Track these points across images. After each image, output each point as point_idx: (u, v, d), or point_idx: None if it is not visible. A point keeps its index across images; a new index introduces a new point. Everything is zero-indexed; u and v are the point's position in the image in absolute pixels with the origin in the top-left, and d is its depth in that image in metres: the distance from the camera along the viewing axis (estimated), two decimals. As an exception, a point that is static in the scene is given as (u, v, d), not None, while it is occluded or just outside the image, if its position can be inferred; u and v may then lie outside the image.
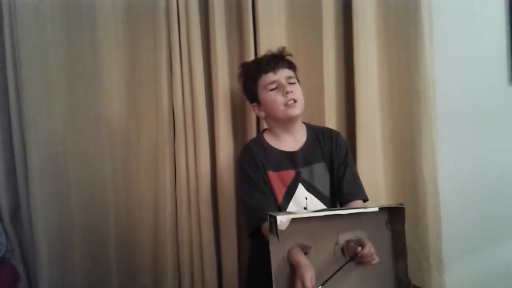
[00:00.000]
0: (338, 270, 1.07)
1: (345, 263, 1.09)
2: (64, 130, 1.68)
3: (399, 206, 1.08)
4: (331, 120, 1.62)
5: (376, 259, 1.08)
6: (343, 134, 1.55)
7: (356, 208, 1.11)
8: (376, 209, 1.09)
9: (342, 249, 1.13)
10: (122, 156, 1.71)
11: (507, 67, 1.70)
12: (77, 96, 1.68)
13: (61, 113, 1.67)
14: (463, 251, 1.73)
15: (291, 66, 1.42)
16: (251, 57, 1.58)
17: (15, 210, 1.73)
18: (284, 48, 1.43)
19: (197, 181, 1.62)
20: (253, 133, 1.61)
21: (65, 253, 1.69)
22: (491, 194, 1.72)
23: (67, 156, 1.69)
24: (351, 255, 1.10)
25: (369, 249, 1.07)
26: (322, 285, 1.05)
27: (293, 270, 1.10)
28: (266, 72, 1.37)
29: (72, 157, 1.69)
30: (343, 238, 1.13)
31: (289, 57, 1.43)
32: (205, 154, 1.61)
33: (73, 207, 1.69)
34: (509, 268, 1.73)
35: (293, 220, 1.05)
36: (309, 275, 1.03)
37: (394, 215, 1.12)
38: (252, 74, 1.41)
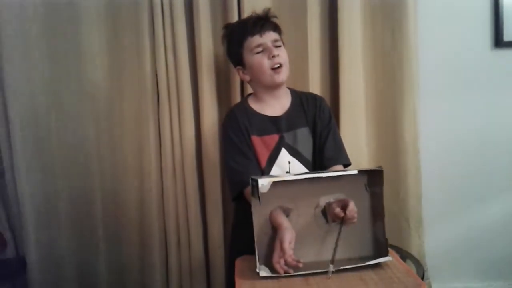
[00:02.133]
0: (337, 239, 1.08)
1: (340, 230, 1.10)
2: (45, 95, 1.66)
3: (378, 168, 1.10)
4: (315, 85, 1.62)
5: (355, 218, 1.10)
6: (327, 99, 1.56)
7: (335, 171, 1.13)
8: (355, 172, 1.10)
9: (323, 211, 1.16)
10: (105, 122, 1.70)
11: (490, 31, 1.70)
12: (57, 61, 1.66)
13: (42, 78, 1.66)
14: (442, 214, 1.79)
15: (276, 28, 1.40)
16: (234, 19, 1.56)
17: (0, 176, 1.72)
18: (269, 9, 1.41)
19: (181, 146, 1.63)
20: (237, 98, 1.61)
21: (51, 218, 1.70)
22: (471, 158, 1.76)
23: (50, 121, 1.68)
24: (332, 217, 1.12)
25: (353, 206, 1.09)
26: (332, 262, 1.05)
27: (275, 232, 1.12)
28: (252, 34, 1.35)
29: (55, 123, 1.68)
30: (323, 200, 1.16)
31: (274, 19, 1.40)
32: (189, 120, 1.61)
33: (58, 172, 1.70)
34: (487, 231, 1.79)
35: (274, 183, 1.06)
36: (288, 236, 1.06)
37: (373, 178, 1.14)
38: (237, 36, 1.39)
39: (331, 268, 1.04)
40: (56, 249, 1.71)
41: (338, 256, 1.10)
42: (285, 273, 1.05)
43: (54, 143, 1.68)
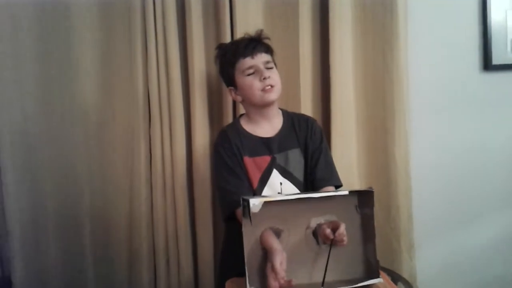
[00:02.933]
0: (328, 261, 1.08)
1: (330, 250, 1.09)
2: (36, 112, 1.65)
3: (369, 190, 1.10)
4: (307, 106, 1.62)
5: (346, 239, 1.10)
6: (318, 120, 1.56)
7: (326, 192, 1.13)
8: (346, 192, 1.10)
9: (314, 233, 1.15)
10: (96, 140, 1.68)
11: (479, 54, 1.74)
12: (50, 78, 1.64)
13: (33, 96, 1.64)
14: (433, 235, 1.79)
15: (268, 50, 1.41)
16: (227, 39, 1.57)
17: (-14, 193, 1.70)
18: (261, 31, 1.42)
19: (172, 165, 1.61)
20: (229, 118, 1.61)
21: (39, 237, 1.67)
22: (461, 179, 1.78)
23: (40, 138, 1.65)
24: (323, 239, 1.12)
25: (344, 228, 1.08)
26: (322, 285, 1.06)
27: (265, 253, 1.12)
28: (244, 56, 1.36)
29: (45, 140, 1.66)
30: (314, 222, 1.15)
31: (266, 41, 1.42)
32: (180, 138, 1.60)
33: (47, 190, 1.67)
34: (478, 252, 1.79)
35: (266, 204, 1.06)
36: (279, 258, 1.05)
37: (363, 199, 1.14)
38: (230, 57, 1.39)
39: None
40: (42, 269, 1.67)
41: (329, 278, 1.10)
42: None
43: (44, 161, 1.66)
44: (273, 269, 1.04)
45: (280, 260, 1.05)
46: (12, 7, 1.58)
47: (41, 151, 1.66)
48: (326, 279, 1.10)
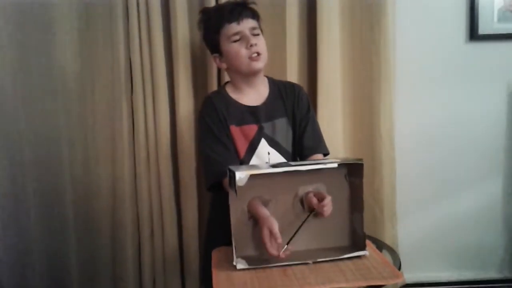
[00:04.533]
0: (301, 226, 1.09)
1: (307, 217, 1.11)
2: (13, 80, 1.61)
3: (358, 162, 1.10)
4: (293, 75, 1.60)
5: (330, 210, 1.10)
6: (305, 89, 1.54)
7: (315, 163, 1.11)
8: (335, 165, 1.09)
9: (301, 201, 1.15)
10: (77, 110, 1.65)
11: (465, 24, 1.73)
12: (27, 48, 1.60)
13: (10, 66, 1.59)
14: (414, 204, 1.82)
15: (255, 15, 1.37)
16: (212, 3, 1.52)
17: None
18: None
19: (156, 135, 1.59)
20: (214, 86, 1.57)
21: (20, 210, 1.65)
22: (444, 150, 1.80)
23: (19, 110, 1.62)
24: (311, 209, 1.12)
25: (329, 200, 1.09)
26: (287, 243, 1.07)
27: (253, 222, 1.12)
28: (230, 21, 1.31)
29: (24, 112, 1.62)
30: (302, 190, 1.15)
31: (252, 6, 1.37)
32: (164, 108, 1.58)
33: (27, 161, 1.64)
34: (458, 221, 1.83)
35: (253, 174, 1.04)
36: (275, 224, 1.05)
37: (353, 169, 1.14)
38: (214, 23, 1.35)
39: (286, 247, 1.06)
40: (25, 242, 1.66)
41: (314, 246, 1.13)
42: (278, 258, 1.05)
43: (22, 132, 1.62)
44: (272, 233, 1.04)
45: (276, 226, 1.05)
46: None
47: (20, 121, 1.62)
48: (311, 247, 1.13)
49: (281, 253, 1.05)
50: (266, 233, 1.05)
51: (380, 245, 1.29)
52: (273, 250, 1.05)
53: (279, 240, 1.04)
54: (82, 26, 1.61)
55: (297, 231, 1.09)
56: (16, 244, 1.65)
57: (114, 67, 1.58)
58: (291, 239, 1.08)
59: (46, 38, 1.60)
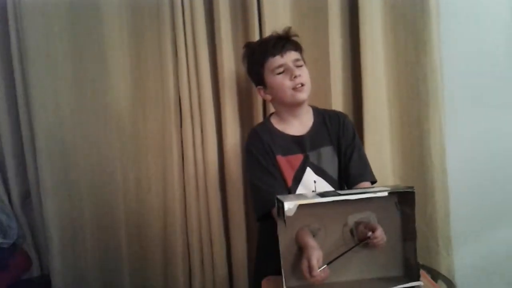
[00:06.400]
0: (346, 251, 1.08)
1: (354, 246, 1.09)
2: (71, 117, 1.70)
3: (409, 190, 1.08)
4: (338, 103, 1.60)
5: (384, 240, 1.08)
6: (350, 116, 1.55)
7: (365, 192, 1.10)
8: (386, 194, 1.08)
9: (351, 231, 1.14)
10: (130, 143, 1.72)
11: (515, 43, 1.67)
12: (84, 83, 1.69)
13: (68, 101, 1.69)
14: (471, 230, 1.73)
15: (297, 47, 1.40)
16: (256, 37, 1.56)
17: (25, 196, 1.76)
18: (289, 28, 1.40)
19: (204, 167, 1.62)
20: (259, 118, 1.61)
21: (76, 238, 1.72)
22: (499, 174, 1.71)
23: (76, 142, 1.71)
24: (361, 239, 1.11)
25: (380, 232, 1.07)
26: (328, 264, 1.06)
27: (301, 253, 1.11)
28: (273, 55, 1.35)
29: (80, 144, 1.71)
30: (352, 219, 1.14)
31: (295, 38, 1.40)
32: (212, 140, 1.61)
33: (83, 193, 1.72)
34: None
35: (301, 204, 1.05)
36: (315, 255, 1.04)
37: (403, 198, 1.11)
38: (258, 56, 1.39)
39: (324, 267, 1.05)
40: (80, 268, 1.72)
41: (367, 276, 1.11)
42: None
43: (79, 164, 1.71)
44: (309, 265, 1.03)
45: (317, 257, 1.04)
46: (43, 9, 1.63)
47: (76, 154, 1.71)
48: (363, 277, 1.10)
49: (317, 271, 1.03)
50: (305, 264, 1.05)
51: (436, 275, 1.25)
52: (310, 279, 1.04)
53: (314, 272, 1.02)
54: (134, 60, 1.69)
55: (341, 255, 1.07)
56: (73, 272, 1.71)
57: (165, 100, 1.64)
58: (332, 261, 1.06)
59: (101, 75, 1.68)
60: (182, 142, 1.64)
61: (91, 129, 1.71)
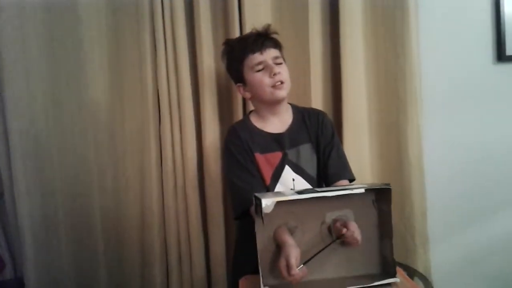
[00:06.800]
0: (322, 249, 1.08)
1: (329, 244, 1.09)
2: (46, 115, 1.65)
3: (386, 187, 1.08)
4: (317, 101, 1.61)
5: (358, 241, 1.08)
6: (329, 115, 1.55)
7: (342, 189, 1.10)
8: (362, 190, 1.08)
9: (329, 228, 1.14)
10: (107, 141, 1.69)
11: (492, 45, 1.70)
12: (59, 80, 1.65)
13: (43, 99, 1.65)
14: (447, 229, 1.76)
15: (277, 45, 1.39)
16: (236, 34, 1.55)
17: (-1, 196, 1.71)
18: (269, 26, 1.40)
19: (183, 165, 1.61)
20: (239, 115, 1.60)
21: (50, 238, 1.67)
22: (475, 173, 1.75)
23: (51, 141, 1.66)
24: (337, 236, 1.11)
25: (352, 232, 1.07)
26: (305, 263, 1.05)
27: (279, 251, 1.10)
28: (253, 52, 1.34)
29: (55, 143, 1.67)
30: (329, 217, 1.14)
31: (275, 36, 1.40)
32: (191, 137, 1.60)
33: (58, 192, 1.68)
34: (491, 245, 1.77)
35: (279, 202, 1.04)
36: (294, 253, 1.03)
37: (380, 195, 1.12)
38: (238, 53, 1.38)
39: (302, 267, 1.04)
40: (55, 269, 1.68)
41: (343, 274, 1.11)
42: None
43: (54, 163, 1.67)
44: (288, 263, 1.02)
45: (295, 255, 1.03)
46: (19, 7, 1.58)
47: (51, 152, 1.67)
48: (340, 275, 1.11)
49: (295, 270, 1.02)
50: (282, 263, 1.04)
51: (412, 273, 1.26)
52: (288, 278, 1.03)
53: (293, 271, 1.01)
54: (112, 57, 1.66)
55: (318, 253, 1.07)
56: (47, 272, 1.67)
57: (143, 98, 1.62)
58: (309, 259, 1.06)
59: (77, 72, 1.65)
60: (160, 139, 1.62)
61: (66, 128, 1.67)
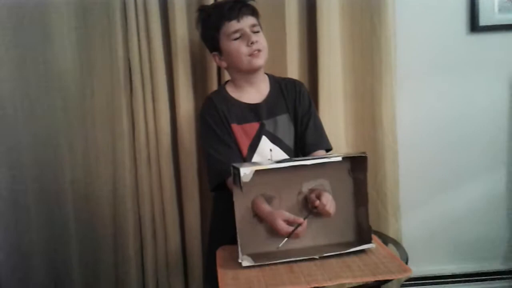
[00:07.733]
0: (297, 227, 1.08)
1: (307, 216, 1.10)
2: (11, 84, 1.59)
3: (362, 155, 1.09)
4: (294, 71, 1.59)
5: (330, 213, 1.10)
6: (305, 85, 1.53)
7: (319, 157, 1.11)
8: (339, 158, 1.09)
9: (306, 198, 1.15)
10: (76, 111, 1.63)
11: (466, 15, 1.71)
12: (24, 49, 1.58)
13: (8, 68, 1.58)
14: (417, 198, 1.80)
15: (254, 12, 1.35)
16: (211, 1, 1.51)
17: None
18: None
19: (156, 136, 1.58)
20: (214, 85, 1.56)
21: (20, 212, 1.63)
22: (447, 143, 1.78)
23: (18, 115, 1.60)
24: (310, 208, 1.12)
25: (323, 205, 1.09)
26: (288, 237, 1.07)
27: (257, 221, 1.11)
28: (230, 19, 1.30)
29: (23, 117, 1.60)
30: (306, 187, 1.15)
31: (252, 3, 1.36)
32: (164, 109, 1.56)
33: (26, 164, 1.62)
34: (461, 214, 1.82)
35: (256, 171, 1.03)
36: (285, 212, 1.08)
37: (356, 164, 1.13)
38: (214, 21, 1.33)
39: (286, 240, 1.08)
40: (25, 244, 1.64)
41: (320, 242, 1.13)
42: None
43: (21, 134, 1.60)
44: (290, 221, 1.08)
45: (287, 214, 1.08)
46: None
47: (19, 123, 1.61)
48: (318, 243, 1.13)
49: (300, 219, 1.07)
50: (282, 225, 1.07)
51: (385, 240, 1.28)
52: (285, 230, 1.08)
53: (300, 220, 1.07)
54: (80, 27, 1.59)
55: (296, 227, 1.08)
56: (17, 247, 1.63)
57: (113, 67, 1.56)
58: (291, 233, 1.07)
59: (43, 39, 1.58)
60: (132, 111, 1.58)
61: (33, 98, 1.60)
